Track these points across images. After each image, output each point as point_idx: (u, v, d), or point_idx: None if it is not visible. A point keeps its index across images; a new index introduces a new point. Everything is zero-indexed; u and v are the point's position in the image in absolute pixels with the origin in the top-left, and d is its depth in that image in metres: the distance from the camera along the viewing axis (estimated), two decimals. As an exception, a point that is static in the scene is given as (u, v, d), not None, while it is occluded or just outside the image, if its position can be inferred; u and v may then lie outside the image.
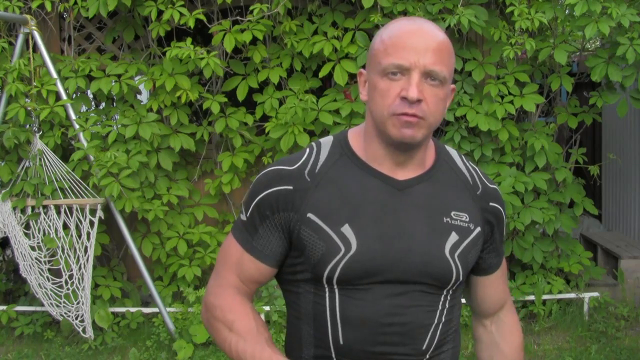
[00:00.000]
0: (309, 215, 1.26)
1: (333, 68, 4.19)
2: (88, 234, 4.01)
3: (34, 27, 4.13)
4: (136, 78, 4.40)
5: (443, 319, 1.32)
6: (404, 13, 4.10)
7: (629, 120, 5.71)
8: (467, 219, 1.32)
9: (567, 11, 4.06)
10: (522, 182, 4.13)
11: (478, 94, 4.29)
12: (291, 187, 1.28)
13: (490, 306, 1.48)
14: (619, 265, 4.80)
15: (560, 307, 4.40)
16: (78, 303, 4.04)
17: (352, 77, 4.46)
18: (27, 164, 4.20)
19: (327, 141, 1.35)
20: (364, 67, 1.35)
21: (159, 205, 4.18)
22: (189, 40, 4.09)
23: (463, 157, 1.41)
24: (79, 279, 4.03)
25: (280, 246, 1.31)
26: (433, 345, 1.31)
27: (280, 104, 4.31)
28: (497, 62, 4.32)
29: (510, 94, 4.21)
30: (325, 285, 1.28)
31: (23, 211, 4.14)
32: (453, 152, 1.41)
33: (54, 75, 4.16)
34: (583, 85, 5.52)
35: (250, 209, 1.31)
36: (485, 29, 4.08)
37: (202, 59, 4.00)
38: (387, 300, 1.26)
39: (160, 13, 4.14)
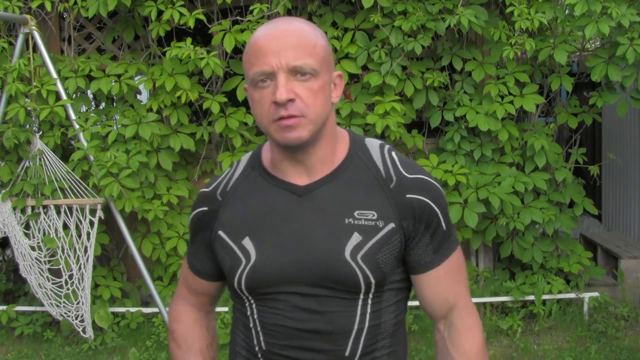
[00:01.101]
0: (219, 232, 1.34)
1: (333, 68, 4.19)
2: (88, 234, 4.01)
3: (34, 27, 4.13)
4: (136, 78, 4.40)
5: (367, 324, 1.28)
6: (404, 13, 4.10)
7: (629, 120, 5.71)
8: (375, 217, 1.26)
9: (567, 11, 4.06)
10: (522, 182, 4.13)
11: (478, 94, 4.29)
12: (207, 208, 1.37)
13: (434, 308, 1.36)
14: (619, 265, 4.80)
15: (560, 307, 4.40)
16: (78, 303, 4.04)
17: (352, 77, 4.46)
18: (27, 164, 4.20)
19: (246, 157, 1.40)
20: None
21: (159, 205, 4.18)
22: (189, 40, 4.09)
23: (386, 148, 1.34)
24: (79, 279, 4.03)
25: (207, 261, 1.42)
26: (359, 352, 1.28)
27: (280, 104, 4.30)
28: (497, 62, 4.32)
29: (510, 94, 4.22)
30: (243, 296, 1.33)
31: (23, 211, 4.14)
32: (372, 145, 1.35)
33: (54, 75, 4.16)
34: (583, 85, 5.52)
35: (188, 229, 1.46)
36: (485, 29, 4.08)
37: (202, 59, 4.00)
38: (298, 307, 1.27)
39: (160, 13, 4.14)
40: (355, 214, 1.26)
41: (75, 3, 4.22)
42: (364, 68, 4.27)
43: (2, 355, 4.15)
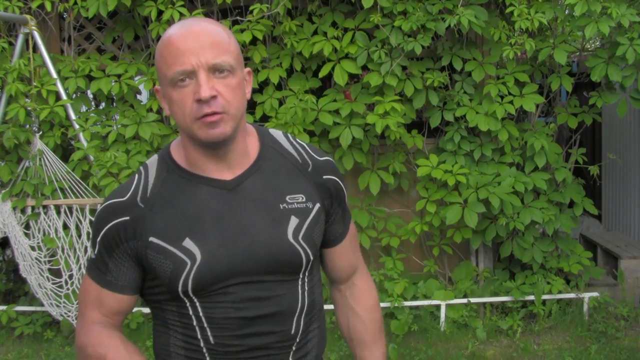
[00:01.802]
0: (151, 239, 1.30)
1: (333, 68, 4.19)
2: (88, 234, 4.01)
3: (34, 27, 4.13)
4: (136, 78, 4.41)
5: (307, 302, 1.38)
6: (404, 13, 4.10)
7: (629, 120, 5.71)
8: (304, 199, 1.36)
9: (567, 11, 4.06)
10: (522, 182, 4.13)
11: (478, 94, 4.29)
12: (128, 218, 1.31)
13: (343, 273, 1.53)
14: (619, 265, 4.80)
15: (560, 307, 4.40)
16: (78, 303, 4.04)
17: (352, 77, 4.46)
18: (27, 164, 4.21)
19: (153, 161, 1.37)
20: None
21: (159, 205, 4.17)
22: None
23: (289, 136, 1.43)
24: (79, 279, 4.03)
25: (133, 273, 1.35)
26: (301, 329, 1.38)
27: (280, 104, 4.31)
28: (497, 62, 4.32)
29: (510, 94, 4.22)
30: (185, 299, 1.32)
31: (23, 211, 4.14)
32: (278, 134, 1.43)
33: (54, 75, 4.16)
34: (583, 85, 5.52)
35: (97, 246, 1.35)
36: (485, 29, 4.08)
37: (202, 59, 3.99)
38: (247, 297, 1.31)
39: (160, 13, 4.15)
40: (287, 198, 1.35)
41: (75, 3, 4.22)
42: (364, 68, 4.27)
43: (2, 355, 4.15)
